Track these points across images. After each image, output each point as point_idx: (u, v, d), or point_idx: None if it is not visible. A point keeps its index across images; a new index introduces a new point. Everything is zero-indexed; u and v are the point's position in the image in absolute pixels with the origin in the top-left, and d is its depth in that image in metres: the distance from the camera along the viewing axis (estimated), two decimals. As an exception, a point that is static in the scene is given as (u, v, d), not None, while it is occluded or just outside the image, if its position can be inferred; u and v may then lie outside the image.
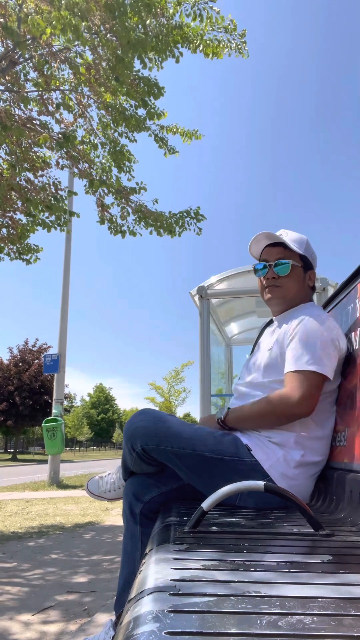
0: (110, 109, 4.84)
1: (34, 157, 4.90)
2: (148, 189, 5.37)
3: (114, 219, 5.42)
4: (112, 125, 5.08)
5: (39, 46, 4.29)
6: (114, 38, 4.14)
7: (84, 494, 7.81)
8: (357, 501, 1.13)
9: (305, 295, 1.58)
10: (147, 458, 1.39)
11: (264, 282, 1.56)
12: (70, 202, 7.94)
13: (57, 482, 9.26)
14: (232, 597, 0.51)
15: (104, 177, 5.24)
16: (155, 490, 1.45)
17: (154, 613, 0.45)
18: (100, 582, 2.65)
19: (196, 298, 4.68)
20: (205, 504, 0.87)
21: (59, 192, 5.08)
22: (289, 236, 1.56)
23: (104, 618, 2.04)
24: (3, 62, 4.33)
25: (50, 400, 26.73)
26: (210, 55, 4.65)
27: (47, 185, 5.01)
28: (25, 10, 3.84)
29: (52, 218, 5.18)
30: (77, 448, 63.41)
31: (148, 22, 4.09)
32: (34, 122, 4.74)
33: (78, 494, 7.73)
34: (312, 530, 0.88)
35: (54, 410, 9.47)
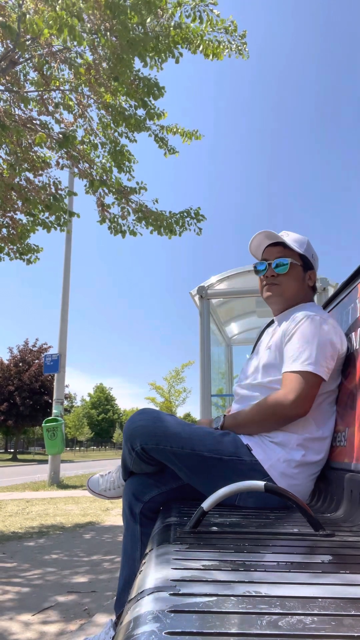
0: (110, 109, 4.84)
1: (34, 157, 4.90)
2: (148, 189, 5.37)
3: (114, 219, 5.42)
4: (112, 125, 5.08)
5: (39, 46, 4.30)
6: (114, 38, 4.15)
7: (84, 494, 7.81)
8: (357, 501, 1.13)
9: (305, 295, 1.58)
10: (146, 458, 1.39)
11: (264, 281, 1.58)
12: (70, 202, 7.95)
13: (57, 482, 9.26)
14: (232, 597, 0.51)
15: (104, 177, 5.24)
16: (155, 490, 1.45)
17: (154, 613, 0.45)
18: (100, 582, 2.65)
19: (196, 298, 4.68)
20: (206, 504, 0.87)
21: (59, 192, 5.08)
22: (289, 237, 1.57)
23: (104, 618, 2.04)
24: (3, 62, 4.33)
25: (50, 400, 26.74)
26: (211, 56, 4.64)
27: (47, 185, 5.01)
28: (24, 9, 3.84)
29: (52, 218, 5.19)
30: (77, 448, 63.43)
31: (148, 21, 4.09)
32: (34, 122, 4.74)
33: (78, 494, 7.73)
34: (312, 530, 0.88)
35: (54, 410, 9.47)
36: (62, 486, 9.13)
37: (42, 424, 9.22)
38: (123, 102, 4.96)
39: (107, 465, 21.62)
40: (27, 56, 4.48)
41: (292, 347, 1.38)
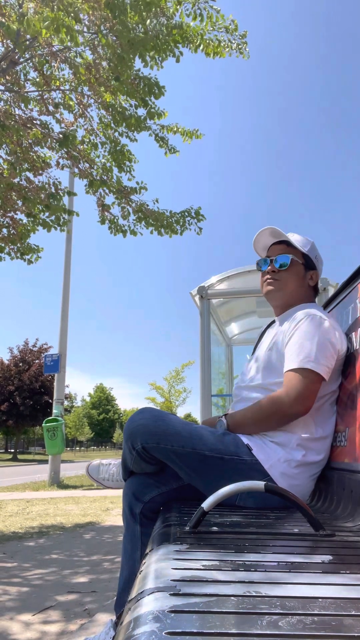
0: (110, 109, 4.84)
1: (34, 157, 4.90)
2: (148, 189, 5.37)
3: (114, 219, 5.42)
4: (112, 125, 5.08)
5: (39, 46, 4.30)
6: (114, 37, 4.14)
7: (84, 494, 7.82)
8: (358, 501, 1.13)
9: (305, 295, 1.59)
10: (147, 457, 1.38)
11: (265, 277, 1.61)
12: (70, 202, 7.96)
13: (57, 482, 9.26)
14: (232, 597, 0.51)
15: (105, 177, 5.24)
16: (155, 490, 1.45)
17: (154, 613, 0.45)
18: (101, 582, 2.65)
19: (197, 298, 4.68)
20: (206, 504, 0.87)
21: (58, 191, 5.08)
22: (294, 237, 1.60)
23: (104, 618, 2.04)
24: (3, 62, 4.33)
25: (50, 401, 26.75)
26: (212, 55, 4.64)
27: (46, 185, 5.01)
28: (23, 9, 3.84)
29: (53, 218, 5.19)
30: (77, 448, 63.44)
31: (148, 22, 4.09)
32: (34, 122, 4.74)
33: (78, 494, 7.73)
34: (313, 530, 0.88)
35: (54, 410, 9.47)
36: (63, 486, 9.14)
37: (43, 424, 9.22)
38: (123, 102, 4.95)
39: (107, 465, 21.57)
40: (27, 56, 4.48)
41: (292, 346, 1.39)
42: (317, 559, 0.70)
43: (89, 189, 5.25)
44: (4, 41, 4.24)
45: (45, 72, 4.51)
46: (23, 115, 4.71)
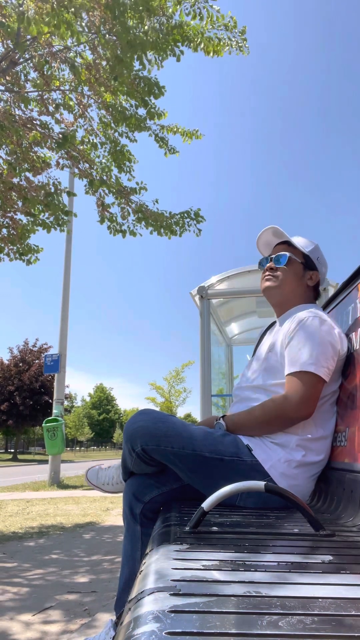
0: (110, 109, 4.84)
1: (34, 157, 4.90)
2: (148, 189, 5.37)
3: (114, 219, 5.42)
4: (112, 125, 5.08)
5: (39, 46, 4.30)
6: (114, 38, 4.14)
7: (84, 494, 7.82)
8: (358, 501, 1.13)
9: (304, 295, 1.59)
10: (147, 458, 1.38)
11: (264, 273, 1.63)
12: (70, 203, 7.95)
13: (57, 482, 9.26)
14: (232, 598, 0.51)
15: (104, 177, 5.24)
16: (156, 490, 1.45)
17: (154, 613, 0.45)
18: (101, 582, 2.65)
19: (197, 298, 4.68)
20: (206, 504, 0.87)
21: (58, 190, 5.08)
22: (297, 239, 1.63)
23: (105, 618, 2.04)
24: (3, 62, 4.33)
25: (50, 401, 26.75)
26: (211, 54, 4.64)
27: (46, 185, 5.01)
28: (23, 9, 3.84)
29: (52, 219, 5.19)
30: (77, 448, 63.44)
31: (148, 23, 4.09)
32: (34, 122, 4.74)
33: (78, 494, 7.73)
34: (313, 530, 0.88)
35: (54, 411, 9.47)
36: (63, 486, 9.14)
37: (43, 424, 9.22)
38: (123, 102, 4.95)
39: (107, 465, 21.57)
40: (27, 56, 4.48)
41: (292, 349, 1.39)
42: (317, 559, 0.70)
43: (88, 189, 5.25)
44: (4, 41, 4.24)
45: (45, 73, 4.50)
46: (23, 115, 4.71)
